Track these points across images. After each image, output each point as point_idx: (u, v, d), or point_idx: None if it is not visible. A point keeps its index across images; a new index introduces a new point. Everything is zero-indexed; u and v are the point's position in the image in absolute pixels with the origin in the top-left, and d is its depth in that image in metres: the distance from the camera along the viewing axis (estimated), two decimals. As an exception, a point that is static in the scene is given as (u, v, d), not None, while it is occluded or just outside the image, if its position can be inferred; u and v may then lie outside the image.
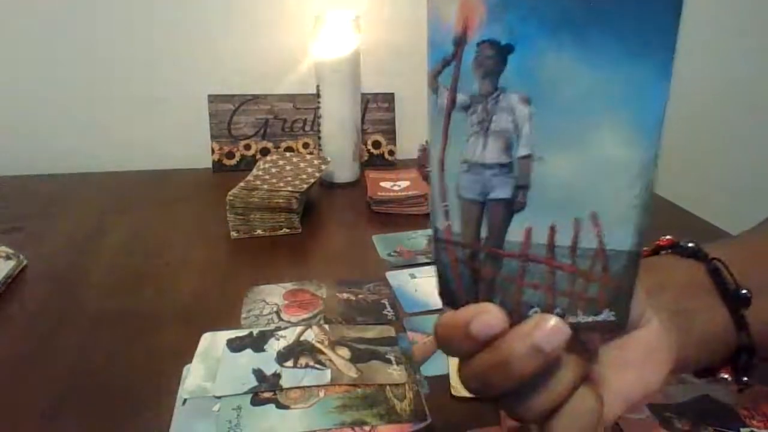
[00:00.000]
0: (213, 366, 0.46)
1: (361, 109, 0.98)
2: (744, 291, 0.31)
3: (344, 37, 0.87)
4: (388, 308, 0.55)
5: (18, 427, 0.41)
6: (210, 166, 1.01)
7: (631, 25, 0.21)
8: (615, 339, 0.28)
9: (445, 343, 0.26)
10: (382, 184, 0.87)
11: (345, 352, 0.47)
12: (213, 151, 1.01)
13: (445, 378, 0.45)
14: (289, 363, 0.46)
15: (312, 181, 0.79)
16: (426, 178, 0.87)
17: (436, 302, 0.60)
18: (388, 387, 0.43)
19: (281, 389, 0.43)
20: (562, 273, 0.25)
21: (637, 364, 0.28)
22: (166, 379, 0.44)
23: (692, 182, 1.05)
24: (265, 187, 0.74)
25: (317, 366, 0.45)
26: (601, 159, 0.23)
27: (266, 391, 0.43)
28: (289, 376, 0.44)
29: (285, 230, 0.73)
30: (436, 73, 0.24)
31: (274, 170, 0.82)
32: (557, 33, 0.22)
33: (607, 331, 0.26)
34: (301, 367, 0.45)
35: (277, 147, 1.02)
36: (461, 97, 0.23)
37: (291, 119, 1.03)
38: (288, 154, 0.89)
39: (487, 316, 0.24)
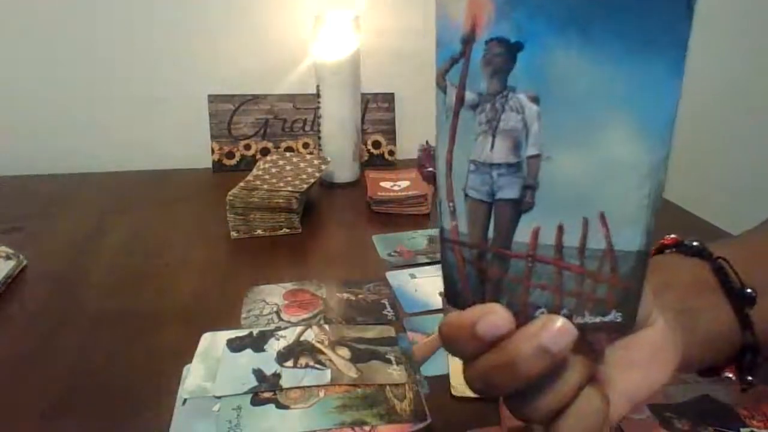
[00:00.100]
0: (213, 366, 0.46)
1: (361, 109, 0.98)
2: (749, 290, 0.31)
3: (344, 37, 0.87)
4: (388, 308, 0.55)
5: (18, 427, 0.41)
6: (210, 166, 1.01)
7: (641, 23, 0.21)
8: (621, 339, 0.28)
9: (450, 343, 0.26)
10: (382, 184, 0.87)
11: (345, 352, 0.47)
12: (213, 151, 1.00)
13: (445, 378, 0.45)
14: (289, 363, 0.46)
15: (312, 181, 0.79)
16: (426, 178, 0.87)
17: (436, 302, 0.60)
18: (388, 387, 0.43)
19: (281, 389, 0.43)
20: (570, 274, 0.24)
21: (643, 363, 0.28)
22: (166, 379, 0.44)
23: (692, 182, 1.05)
24: (265, 187, 0.74)
25: (317, 366, 0.45)
26: (610, 159, 0.23)
27: (266, 391, 0.43)
28: (289, 376, 0.44)
29: (285, 230, 0.73)
30: (444, 71, 0.23)
31: (274, 170, 0.82)
32: (566, 31, 0.21)
33: (613, 332, 0.26)
34: (301, 367, 0.45)
35: (277, 147, 1.02)
36: (469, 96, 0.23)
37: (291, 119, 1.02)
38: (288, 154, 0.89)
39: (493, 317, 0.24)
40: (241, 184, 0.76)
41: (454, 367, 0.46)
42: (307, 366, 0.45)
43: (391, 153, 1.06)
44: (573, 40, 0.21)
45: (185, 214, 0.81)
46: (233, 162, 1.01)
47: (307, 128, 1.03)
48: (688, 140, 1.07)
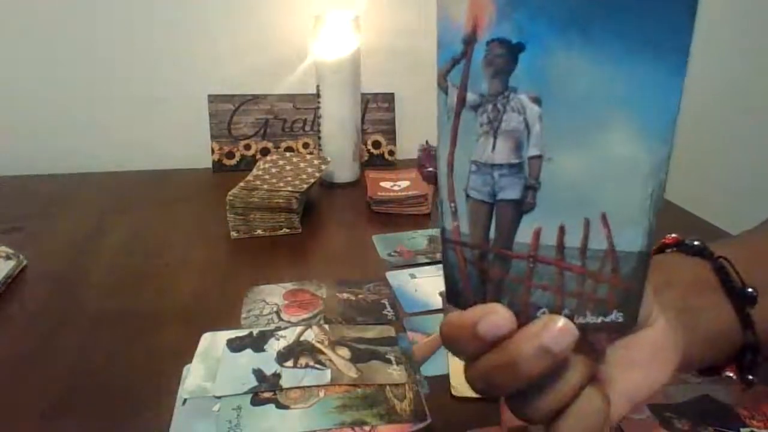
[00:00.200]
0: (213, 366, 0.46)
1: (361, 109, 0.98)
2: (750, 289, 0.31)
3: (344, 37, 0.87)
4: (388, 308, 0.55)
5: (18, 427, 0.41)
6: (210, 166, 1.01)
7: (643, 24, 0.21)
8: (621, 339, 0.28)
9: (451, 342, 0.26)
10: (382, 184, 0.87)
11: (345, 352, 0.47)
12: (213, 151, 1.00)
13: (445, 378, 0.45)
14: (289, 363, 0.46)
15: (312, 181, 0.79)
16: (426, 178, 0.87)
17: (436, 302, 0.60)
18: (388, 387, 0.43)
19: (281, 389, 0.43)
20: (571, 274, 0.24)
21: (644, 363, 0.28)
22: (166, 379, 0.44)
23: (692, 182, 1.05)
24: (265, 187, 0.74)
25: (317, 366, 0.45)
26: (611, 158, 0.23)
27: (266, 391, 0.43)
28: (289, 376, 0.44)
29: (285, 230, 0.73)
30: (445, 71, 0.23)
31: (274, 170, 0.82)
32: (567, 32, 0.21)
33: (614, 331, 0.26)
34: (301, 367, 0.45)
35: (277, 147, 1.02)
36: (471, 96, 0.23)
37: (291, 119, 1.02)
38: (288, 154, 0.89)
39: (494, 317, 0.24)
40: (241, 184, 0.76)
41: (454, 367, 0.46)
42: (307, 366, 0.45)
43: (391, 153, 1.06)
44: (574, 41, 0.21)
45: (185, 214, 0.81)
46: (233, 162, 1.01)
47: (307, 128, 1.03)
48: (689, 140, 1.07)
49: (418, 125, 0.99)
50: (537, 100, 0.23)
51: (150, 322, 0.53)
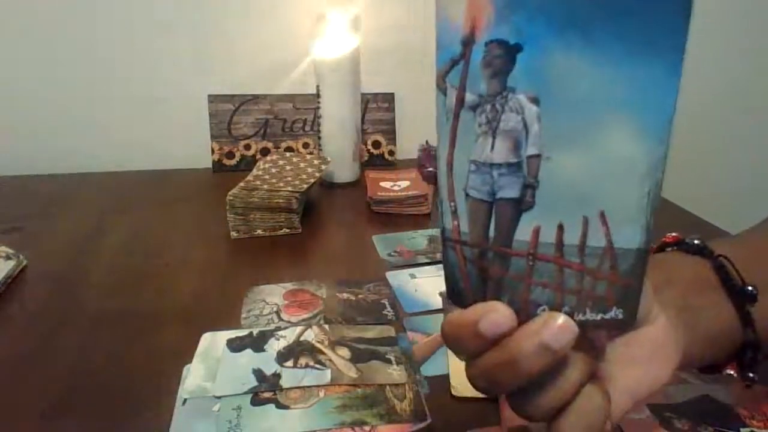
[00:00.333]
0: (213, 366, 0.46)
1: (361, 109, 0.98)
2: (750, 287, 0.31)
3: (344, 37, 0.87)
4: (388, 308, 0.55)
5: (18, 427, 0.41)
6: (210, 166, 1.01)
7: (639, 24, 0.21)
8: (622, 336, 0.28)
9: (452, 341, 0.26)
10: (382, 184, 0.87)
11: (345, 352, 0.47)
12: (213, 151, 1.00)
13: (445, 378, 0.45)
14: (289, 363, 0.46)
15: (312, 181, 0.79)
16: (426, 178, 0.87)
17: (436, 302, 0.60)
18: (388, 387, 0.43)
19: (281, 389, 0.43)
20: (571, 271, 0.25)
21: (644, 360, 0.28)
22: (166, 379, 0.44)
23: (692, 182, 1.05)
24: (265, 187, 0.74)
25: (317, 366, 0.45)
26: (609, 157, 0.23)
27: (266, 391, 0.43)
28: (289, 376, 0.44)
29: (285, 230, 0.73)
30: (444, 72, 0.23)
31: (274, 170, 0.82)
32: (565, 32, 0.22)
33: (614, 328, 0.26)
34: (301, 367, 0.45)
35: (277, 147, 1.02)
36: (470, 97, 0.23)
37: (291, 119, 1.02)
38: (288, 154, 0.89)
39: (495, 315, 0.24)
40: (241, 184, 0.76)
41: (454, 367, 0.46)
42: (307, 366, 0.45)
43: (391, 153, 1.06)
44: (572, 42, 0.22)
45: (185, 214, 0.81)
46: (233, 162, 1.01)
47: (307, 128, 1.03)
48: (688, 140, 1.07)
49: (418, 125, 0.99)
50: (535, 100, 0.23)
51: (150, 322, 0.53)
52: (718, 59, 1.12)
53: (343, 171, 0.93)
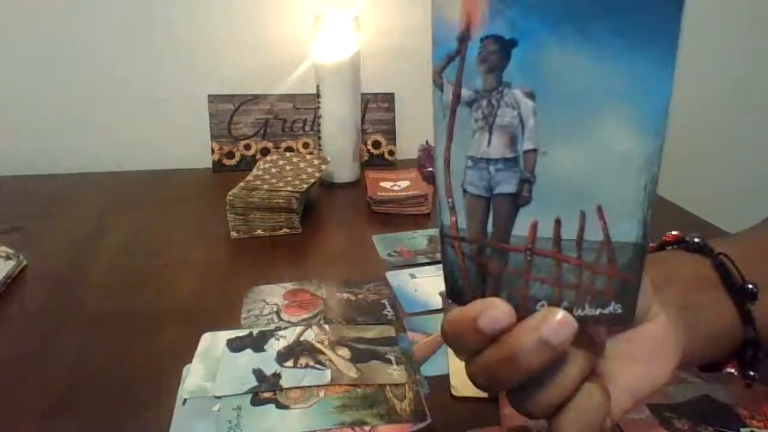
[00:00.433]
0: (213, 366, 0.46)
1: (361, 109, 0.98)
2: (750, 286, 0.31)
3: (344, 37, 0.87)
4: (388, 308, 0.55)
5: (18, 427, 0.41)
6: (210, 166, 1.01)
7: (633, 18, 0.21)
8: (622, 332, 0.28)
9: (452, 339, 0.26)
10: (382, 184, 0.87)
11: (345, 352, 0.47)
12: (213, 151, 1.00)
13: (445, 378, 0.45)
14: (289, 363, 0.46)
15: (312, 181, 0.79)
16: (426, 178, 0.87)
17: (436, 302, 0.60)
18: (388, 387, 0.43)
19: (281, 389, 0.43)
20: (569, 266, 0.25)
21: (644, 358, 0.28)
22: (166, 379, 0.44)
23: (692, 182, 1.05)
24: (265, 187, 0.74)
25: (317, 366, 0.45)
26: (605, 152, 0.23)
27: (266, 391, 0.43)
28: (289, 376, 0.44)
29: (285, 230, 0.73)
30: (440, 69, 0.24)
31: (274, 170, 0.82)
32: (559, 27, 0.22)
33: (613, 324, 0.26)
34: (301, 367, 0.45)
35: (277, 147, 1.02)
36: (466, 93, 0.24)
37: (291, 119, 1.02)
38: (288, 154, 0.89)
39: (494, 311, 0.24)
40: (241, 184, 0.76)
41: (454, 367, 0.46)
42: (307, 366, 0.45)
43: (391, 153, 1.06)
44: (567, 36, 0.22)
45: (185, 214, 0.81)
46: (233, 162, 1.01)
47: (307, 128, 1.03)
48: (688, 140, 1.07)
49: (418, 125, 0.99)
50: (531, 95, 0.23)
51: (150, 322, 0.53)
52: (718, 59, 1.12)
53: (343, 171, 0.93)
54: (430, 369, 0.46)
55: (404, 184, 0.87)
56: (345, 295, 0.58)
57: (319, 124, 0.93)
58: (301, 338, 0.49)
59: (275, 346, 0.48)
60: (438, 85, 0.24)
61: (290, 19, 0.99)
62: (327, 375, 0.44)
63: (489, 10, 0.22)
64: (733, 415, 0.41)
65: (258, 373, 0.44)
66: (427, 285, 0.60)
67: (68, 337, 0.51)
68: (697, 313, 0.30)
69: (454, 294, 0.27)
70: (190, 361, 0.46)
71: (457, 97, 0.24)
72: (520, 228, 0.24)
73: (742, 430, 0.39)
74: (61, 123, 0.99)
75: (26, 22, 0.94)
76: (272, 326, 0.51)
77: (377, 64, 1.01)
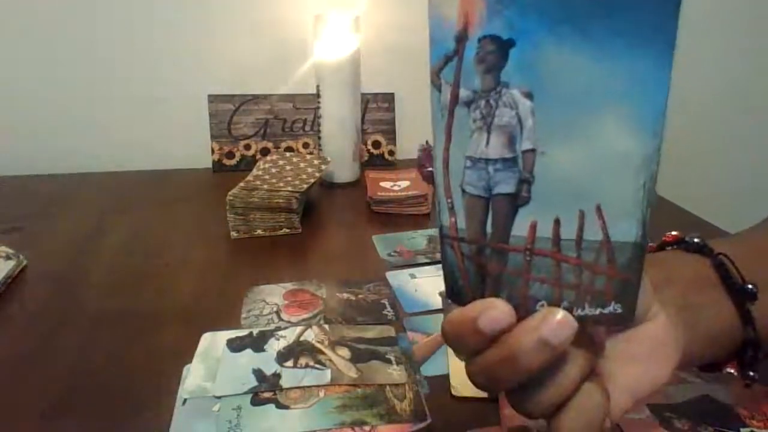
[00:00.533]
0: (213, 366, 0.46)
1: (361, 109, 0.98)
2: (750, 286, 0.31)
3: (344, 37, 0.87)
4: (388, 308, 0.55)
5: (18, 427, 0.41)
6: (210, 166, 1.01)
7: (630, 17, 0.21)
8: (622, 332, 0.28)
9: (452, 339, 0.26)
10: (382, 184, 0.87)
11: (345, 352, 0.47)
12: (213, 151, 1.00)
13: (445, 378, 0.45)
14: (289, 363, 0.46)
15: (312, 181, 0.79)
16: (426, 178, 0.87)
17: (436, 302, 0.60)
18: (388, 387, 0.43)
19: (281, 389, 0.43)
20: (568, 266, 0.25)
21: (644, 358, 0.28)
22: (166, 379, 0.44)
23: (692, 182, 1.05)
24: (265, 187, 0.74)
25: (317, 366, 0.45)
26: (604, 151, 0.23)
27: (266, 391, 0.43)
28: (289, 376, 0.44)
29: (285, 230, 0.73)
30: (438, 69, 0.24)
31: (274, 170, 0.82)
32: (557, 27, 0.22)
33: (613, 324, 0.26)
34: (301, 367, 0.45)
35: (277, 147, 1.02)
36: (464, 93, 0.24)
37: (291, 119, 1.02)
38: (288, 154, 0.89)
39: (494, 311, 0.24)
40: (241, 184, 0.76)
41: (454, 367, 0.46)
42: (307, 366, 0.45)
43: (391, 153, 1.06)
44: (565, 36, 0.22)
45: (185, 214, 0.81)
46: (233, 162, 1.01)
47: (307, 128, 1.03)
48: (688, 140, 1.07)
49: (418, 125, 0.99)
50: (529, 95, 0.23)
51: (150, 322, 0.53)
52: (718, 59, 1.12)
53: (343, 171, 0.93)
54: (430, 369, 0.46)
55: (404, 184, 0.87)
56: (345, 295, 0.58)
57: (319, 124, 0.93)
58: (301, 338, 0.49)
59: (275, 346, 0.48)
60: (436, 85, 0.24)
61: (290, 19, 0.99)
62: (327, 375, 0.44)
63: (486, 10, 0.22)
64: (733, 415, 0.41)
65: (258, 373, 0.44)
66: (427, 285, 0.60)
67: (68, 337, 0.51)
68: (697, 313, 0.30)
69: (454, 294, 0.27)
70: (190, 361, 0.46)
71: (455, 97, 0.24)
72: (520, 228, 0.24)
73: (742, 430, 0.39)
74: (61, 123, 0.99)
75: (26, 22, 0.94)
76: (272, 326, 0.51)
77: (377, 64, 1.01)
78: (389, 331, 0.51)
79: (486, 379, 0.26)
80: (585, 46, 0.22)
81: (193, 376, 0.44)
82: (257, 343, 0.48)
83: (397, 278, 0.62)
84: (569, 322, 0.24)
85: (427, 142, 0.91)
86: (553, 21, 0.22)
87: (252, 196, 0.72)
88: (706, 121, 1.14)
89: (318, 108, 0.92)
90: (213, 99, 1.00)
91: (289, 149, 1.02)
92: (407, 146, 1.05)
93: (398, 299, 0.57)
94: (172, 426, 0.40)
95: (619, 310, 0.25)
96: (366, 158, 1.04)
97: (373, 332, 0.51)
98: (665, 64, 0.22)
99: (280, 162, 0.85)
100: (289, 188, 0.74)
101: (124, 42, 0.97)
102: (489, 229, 0.25)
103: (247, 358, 0.47)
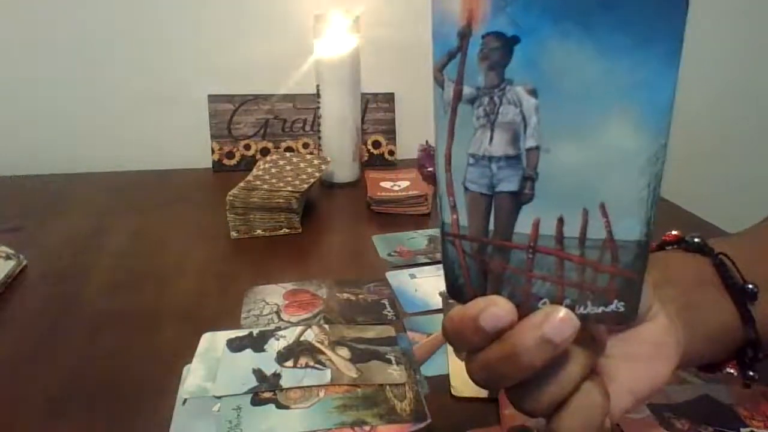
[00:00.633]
0: (213, 366, 0.45)
1: (361, 109, 0.98)
2: (750, 285, 0.31)
3: (344, 36, 0.87)
4: (388, 308, 0.55)
5: (18, 426, 0.41)
6: (210, 166, 1.01)
7: (637, 14, 0.21)
8: (622, 332, 0.28)
9: (454, 337, 0.26)
10: (382, 184, 0.87)
11: (345, 352, 0.47)
12: (213, 151, 1.00)
13: (445, 378, 0.45)
14: (289, 363, 0.46)
15: (312, 181, 0.79)
16: (426, 178, 0.87)
17: (436, 302, 0.60)
18: (388, 387, 0.43)
19: (281, 389, 0.43)
20: (571, 264, 0.25)
21: (644, 358, 0.28)
22: (166, 379, 0.44)
23: (692, 182, 1.05)
24: (265, 187, 0.74)
25: (317, 366, 0.45)
26: (608, 149, 0.23)
27: (266, 391, 0.43)
28: (289, 376, 0.44)
29: (285, 230, 0.73)
30: (441, 66, 0.23)
31: (274, 170, 0.82)
32: (562, 23, 0.21)
33: (616, 322, 0.26)
34: (301, 367, 0.45)
35: (277, 147, 1.02)
36: (467, 90, 0.23)
37: (291, 119, 1.02)
38: (288, 154, 0.89)
39: (495, 309, 0.24)
40: (241, 184, 0.75)
41: (454, 367, 0.46)
42: (307, 366, 0.45)
43: (391, 153, 1.06)
44: (569, 33, 0.21)
45: (185, 214, 0.81)
46: (233, 162, 1.01)
47: (307, 128, 1.03)
48: (688, 140, 1.07)
49: (418, 125, 0.98)
50: (533, 92, 0.23)
51: (150, 322, 0.53)
52: (718, 59, 1.12)
53: (343, 171, 0.93)
54: (430, 369, 0.46)
55: (404, 184, 0.87)
56: (345, 295, 0.58)
57: (319, 124, 0.93)
58: (301, 338, 0.49)
59: (275, 346, 0.48)
60: (439, 82, 0.24)
61: (290, 19, 0.99)
62: (327, 375, 0.44)
63: (490, 7, 0.22)
64: (733, 415, 0.41)
65: (258, 373, 0.44)
66: (427, 285, 0.60)
67: (68, 337, 0.51)
68: (697, 312, 0.30)
69: (455, 292, 0.27)
70: (190, 361, 0.46)
71: (458, 94, 0.24)
72: (523, 225, 0.24)
73: (742, 430, 0.39)
74: (61, 123, 0.99)
75: (26, 21, 0.94)
76: (272, 326, 0.51)
77: (377, 64, 1.01)
78: (389, 331, 0.51)
79: (486, 377, 0.26)
80: (590, 42, 0.21)
81: (193, 376, 0.44)
82: (257, 343, 0.48)
83: (397, 278, 0.62)
84: (571, 320, 0.24)
85: (427, 142, 0.91)
86: (558, 17, 0.21)
87: (252, 196, 0.72)
88: (706, 121, 1.14)
89: (318, 108, 0.92)
90: (213, 99, 1.00)
91: (289, 149, 1.02)
92: (407, 146, 1.05)
93: (398, 299, 0.57)
94: (172, 426, 0.40)
95: (622, 309, 0.25)
96: (366, 158, 1.04)
97: (373, 332, 0.51)
98: (672, 61, 0.21)
99: (280, 162, 0.85)
100: (289, 188, 0.74)
101: (124, 42, 0.97)
102: (491, 226, 0.25)
103: (247, 358, 0.47)
